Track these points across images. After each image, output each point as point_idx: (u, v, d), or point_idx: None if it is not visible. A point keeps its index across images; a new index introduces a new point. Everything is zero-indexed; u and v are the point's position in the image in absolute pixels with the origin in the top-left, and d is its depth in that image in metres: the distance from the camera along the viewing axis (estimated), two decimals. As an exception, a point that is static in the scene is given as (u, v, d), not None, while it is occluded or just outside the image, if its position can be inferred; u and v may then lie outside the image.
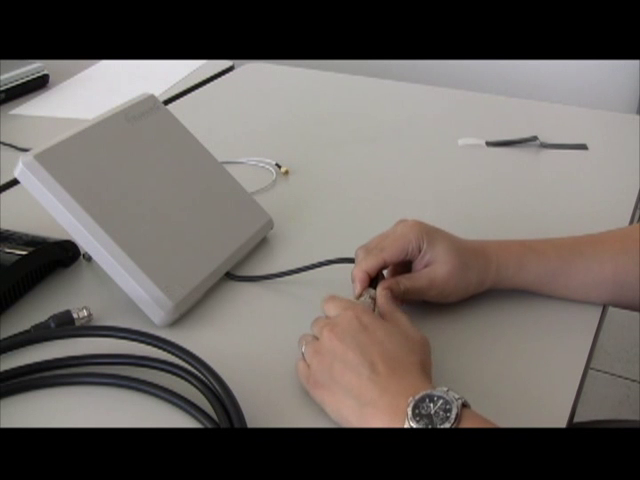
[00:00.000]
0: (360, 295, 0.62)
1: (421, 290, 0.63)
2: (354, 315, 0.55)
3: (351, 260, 0.66)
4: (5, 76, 1.13)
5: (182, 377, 0.56)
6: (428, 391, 0.48)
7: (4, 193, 0.86)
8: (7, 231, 0.72)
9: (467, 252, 0.64)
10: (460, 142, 0.98)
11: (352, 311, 0.56)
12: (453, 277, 0.63)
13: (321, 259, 0.72)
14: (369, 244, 0.65)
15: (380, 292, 0.61)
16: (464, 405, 0.48)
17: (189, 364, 0.56)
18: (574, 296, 0.65)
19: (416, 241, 0.63)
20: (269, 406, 0.55)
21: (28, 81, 1.16)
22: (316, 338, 0.56)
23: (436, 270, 0.62)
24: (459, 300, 0.65)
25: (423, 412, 0.47)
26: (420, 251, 0.63)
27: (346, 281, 0.65)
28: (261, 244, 0.75)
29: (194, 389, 0.55)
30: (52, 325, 0.62)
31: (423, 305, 0.66)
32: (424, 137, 1.00)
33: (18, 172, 0.62)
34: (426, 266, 0.63)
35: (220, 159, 0.77)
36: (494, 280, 0.64)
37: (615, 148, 0.97)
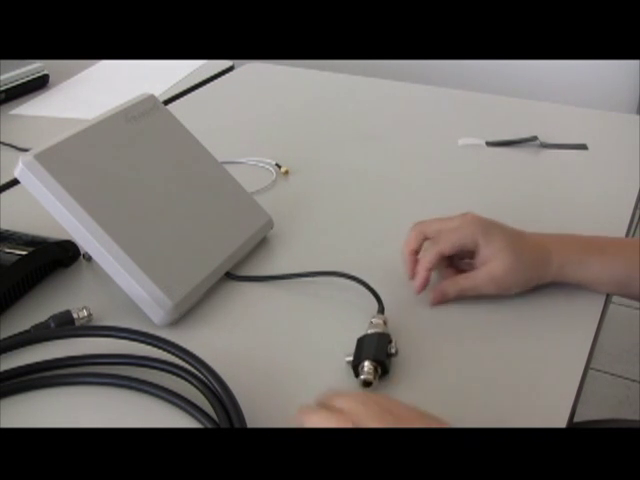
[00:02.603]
0: (421, 291, 0.65)
1: (479, 288, 0.65)
2: (376, 402, 0.47)
3: (352, 277, 0.66)
4: (5, 76, 1.13)
5: (182, 377, 0.56)
6: None
7: (4, 193, 0.86)
8: (7, 231, 0.72)
9: (526, 248, 0.64)
10: (460, 142, 0.98)
11: (373, 400, 0.48)
12: (511, 274, 0.63)
13: (321, 259, 0.72)
14: (426, 227, 0.67)
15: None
16: None
17: (189, 364, 0.56)
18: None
19: (471, 236, 0.64)
20: (269, 406, 0.55)
21: (28, 81, 1.16)
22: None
23: (494, 268, 0.63)
24: (520, 292, 0.65)
25: None
26: (476, 245, 0.64)
27: (346, 282, 0.65)
28: (261, 244, 0.75)
29: (194, 389, 0.55)
30: (52, 325, 0.62)
31: (422, 304, 0.66)
32: (424, 137, 1.00)
33: (18, 172, 0.62)
34: (485, 263, 0.64)
35: (220, 159, 0.77)
36: (555, 275, 0.65)
37: (615, 148, 0.97)
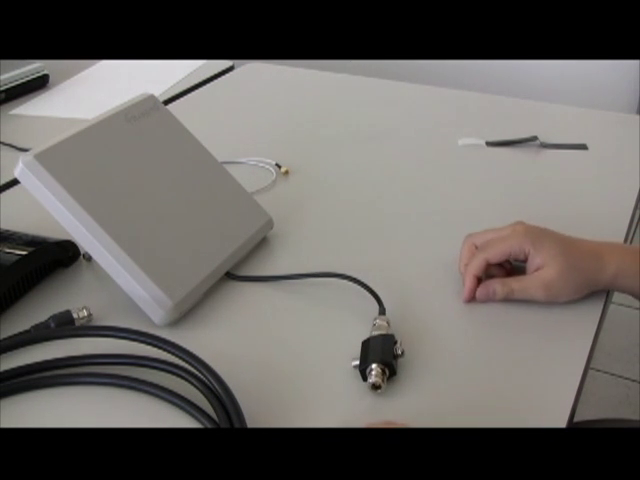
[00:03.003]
0: (470, 299, 0.65)
1: (528, 291, 0.64)
2: None
3: (352, 279, 0.66)
4: (5, 76, 1.13)
5: (182, 377, 0.56)
6: None
7: (4, 193, 0.86)
8: (7, 231, 0.72)
9: (578, 256, 0.64)
10: (460, 142, 0.98)
11: None
12: (562, 280, 0.63)
13: (321, 259, 0.72)
14: (477, 238, 0.68)
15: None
16: None
17: (189, 364, 0.56)
18: None
19: (519, 246, 0.64)
20: (269, 406, 0.55)
21: (28, 81, 1.16)
22: None
23: (544, 274, 0.64)
24: (569, 300, 0.65)
25: None
26: (525, 255, 0.64)
27: (346, 282, 0.65)
28: (261, 244, 0.75)
29: (194, 389, 0.55)
30: (52, 325, 0.62)
31: (422, 304, 0.66)
32: (424, 137, 1.00)
33: (18, 172, 0.62)
34: (537, 269, 0.64)
35: (220, 159, 0.77)
36: (608, 284, 0.65)
37: (615, 148, 0.97)
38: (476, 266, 0.65)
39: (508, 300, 0.65)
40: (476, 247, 0.67)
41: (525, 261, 0.66)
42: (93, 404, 0.56)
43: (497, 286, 0.65)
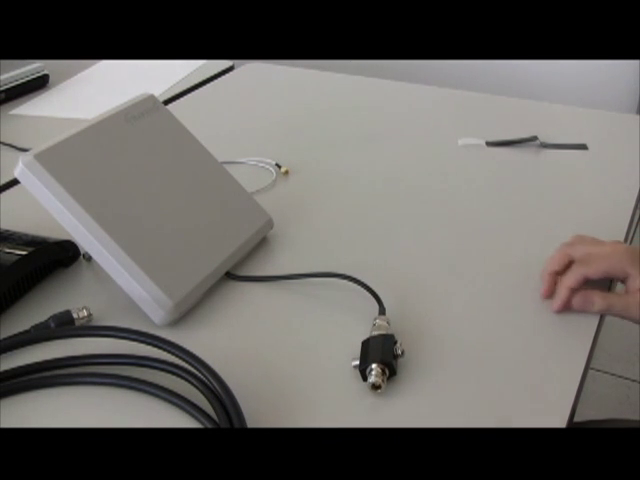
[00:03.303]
0: (562, 310, 0.64)
1: (629, 309, 0.63)
2: None
3: (352, 279, 0.66)
4: (5, 76, 1.13)
5: (182, 377, 0.56)
6: None
7: (4, 193, 0.86)
8: (7, 231, 0.72)
9: None
10: (460, 142, 0.98)
11: None
12: None
13: (321, 259, 0.72)
14: (574, 250, 0.66)
15: None
16: None
17: (189, 364, 0.56)
18: None
19: (620, 266, 0.64)
20: (269, 406, 0.55)
21: (28, 81, 1.16)
22: None
23: None
24: None
25: None
26: (625, 274, 0.64)
27: (346, 282, 0.65)
28: (261, 244, 0.75)
29: (194, 389, 0.55)
30: (52, 325, 0.62)
31: (422, 304, 0.66)
32: (424, 137, 1.00)
33: (18, 172, 0.62)
34: (637, 291, 0.63)
35: (220, 159, 0.77)
36: None
37: (615, 148, 0.97)
38: (574, 280, 0.64)
39: (606, 313, 0.64)
40: (570, 260, 0.66)
41: (622, 281, 0.65)
42: (93, 404, 0.56)
43: (597, 299, 0.64)
